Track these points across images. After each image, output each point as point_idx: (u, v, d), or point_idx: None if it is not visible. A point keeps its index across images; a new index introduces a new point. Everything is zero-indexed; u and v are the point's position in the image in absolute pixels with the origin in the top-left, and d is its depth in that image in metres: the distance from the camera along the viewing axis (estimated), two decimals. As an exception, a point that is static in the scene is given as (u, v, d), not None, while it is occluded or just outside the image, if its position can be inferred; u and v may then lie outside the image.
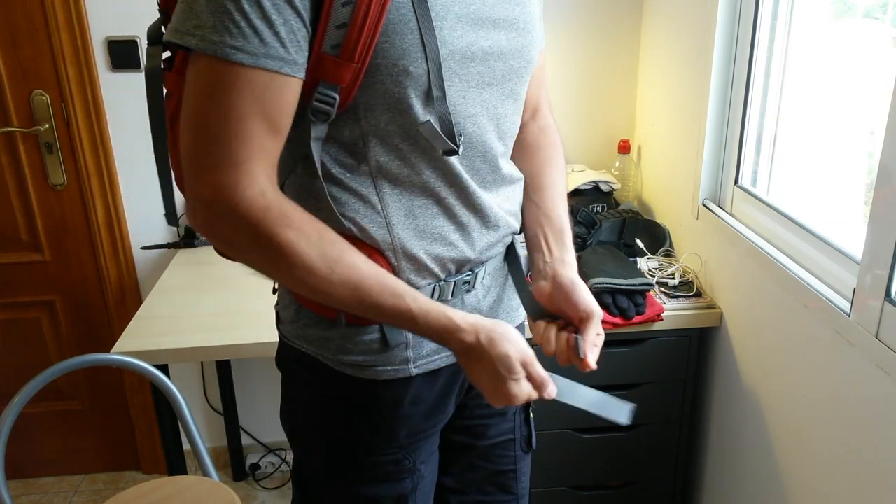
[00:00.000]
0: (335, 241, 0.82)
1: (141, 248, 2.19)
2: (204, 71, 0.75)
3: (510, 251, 1.05)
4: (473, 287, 0.97)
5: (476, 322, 0.85)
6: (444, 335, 0.85)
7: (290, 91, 0.78)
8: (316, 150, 0.84)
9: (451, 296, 0.95)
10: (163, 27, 0.91)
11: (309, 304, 0.94)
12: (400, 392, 0.95)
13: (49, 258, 2.19)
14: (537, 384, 0.86)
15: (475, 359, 0.85)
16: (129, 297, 2.23)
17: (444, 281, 0.93)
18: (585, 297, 0.93)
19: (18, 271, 2.19)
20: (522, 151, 1.05)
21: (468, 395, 1.06)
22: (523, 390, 0.85)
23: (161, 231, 2.17)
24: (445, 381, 0.99)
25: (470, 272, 0.96)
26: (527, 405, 1.15)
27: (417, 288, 0.90)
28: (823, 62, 1.48)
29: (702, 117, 1.72)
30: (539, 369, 0.87)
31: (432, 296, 0.92)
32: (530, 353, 0.87)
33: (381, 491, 0.99)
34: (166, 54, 0.90)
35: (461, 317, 0.85)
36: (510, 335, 0.85)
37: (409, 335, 0.93)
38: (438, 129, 0.83)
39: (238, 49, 0.73)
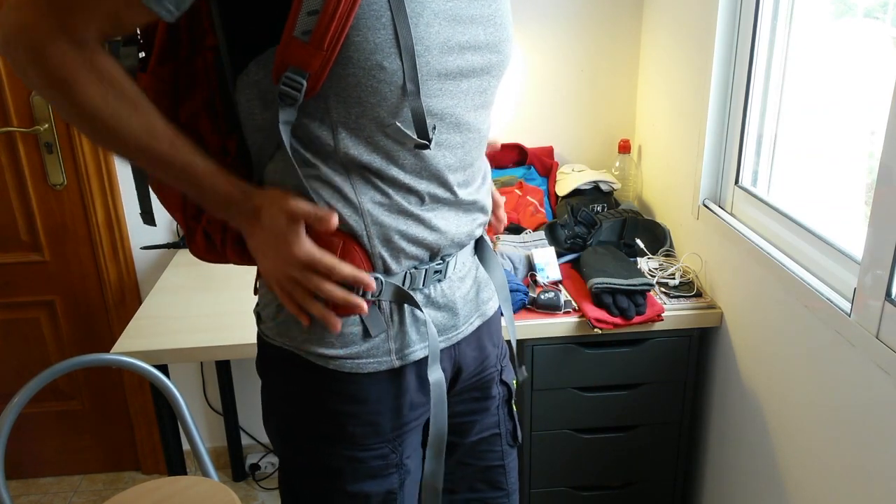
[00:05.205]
0: (139, 94, 0.82)
1: (140, 248, 2.18)
2: None
3: (480, 243, 1.06)
4: (444, 276, 0.98)
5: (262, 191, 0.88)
6: (233, 195, 0.86)
7: (143, 18, 0.79)
8: (285, 134, 0.85)
9: (423, 284, 0.96)
10: (137, 30, 0.92)
11: None
12: (384, 384, 0.96)
13: (49, 258, 2.19)
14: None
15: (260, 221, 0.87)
16: (128, 298, 2.23)
17: (416, 268, 0.95)
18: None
19: (18, 271, 2.19)
20: None
21: (450, 392, 1.06)
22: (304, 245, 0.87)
23: (160, 231, 2.17)
24: (426, 370, 0.99)
25: (441, 261, 0.97)
26: (509, 398, 1.16)
27: (391, 275, 0.92)
28: (824, 62, 1.48)
29: (702, 117, 1.72)
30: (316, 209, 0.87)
31: (403, 283, 0.94)
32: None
33: (370, 487, 0.99)
34: (141, 55, 0.91)
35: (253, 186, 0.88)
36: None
37: (389, 324, 0.94)
38: (406, 128, 0.85)
39: None
